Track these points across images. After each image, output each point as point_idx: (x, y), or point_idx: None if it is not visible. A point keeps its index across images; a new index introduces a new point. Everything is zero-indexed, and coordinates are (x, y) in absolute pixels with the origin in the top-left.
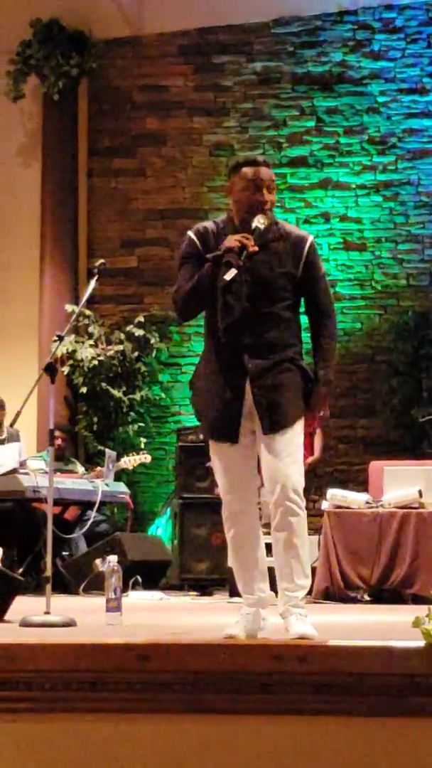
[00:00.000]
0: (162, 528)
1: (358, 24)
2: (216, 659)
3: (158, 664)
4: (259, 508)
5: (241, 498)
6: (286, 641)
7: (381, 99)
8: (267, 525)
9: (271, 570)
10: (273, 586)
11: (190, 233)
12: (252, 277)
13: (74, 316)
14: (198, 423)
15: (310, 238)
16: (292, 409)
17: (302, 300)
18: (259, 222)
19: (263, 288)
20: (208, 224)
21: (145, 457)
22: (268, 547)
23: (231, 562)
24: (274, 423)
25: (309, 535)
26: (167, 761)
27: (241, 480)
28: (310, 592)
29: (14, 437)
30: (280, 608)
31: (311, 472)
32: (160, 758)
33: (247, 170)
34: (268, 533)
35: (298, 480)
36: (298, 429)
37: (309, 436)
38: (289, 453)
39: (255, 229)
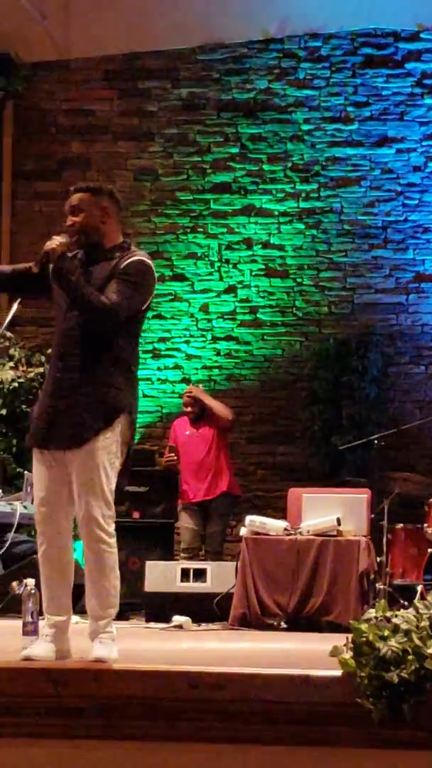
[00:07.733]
0: (79, 551)
1: (284, 52)
2: (129, 685)
3: (73, 690)
4: None
5: (51, 515)
6: (198, 669)
7: (305, 127)
8: None
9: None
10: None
11: None
12: None
13: None
14: None
15: (136, 257)
16: (87, 429)
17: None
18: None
19: None
20: None
21: None
22: None
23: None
24: (69, 437)
25: (227, 561)
26: None
27: (53, 495)
28: (214, 620)
29: None
30: (89, 629)
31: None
32: None
33: None
34: None
35: (97, 512)
36: (99, 445)
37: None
38: (84, 481)
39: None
